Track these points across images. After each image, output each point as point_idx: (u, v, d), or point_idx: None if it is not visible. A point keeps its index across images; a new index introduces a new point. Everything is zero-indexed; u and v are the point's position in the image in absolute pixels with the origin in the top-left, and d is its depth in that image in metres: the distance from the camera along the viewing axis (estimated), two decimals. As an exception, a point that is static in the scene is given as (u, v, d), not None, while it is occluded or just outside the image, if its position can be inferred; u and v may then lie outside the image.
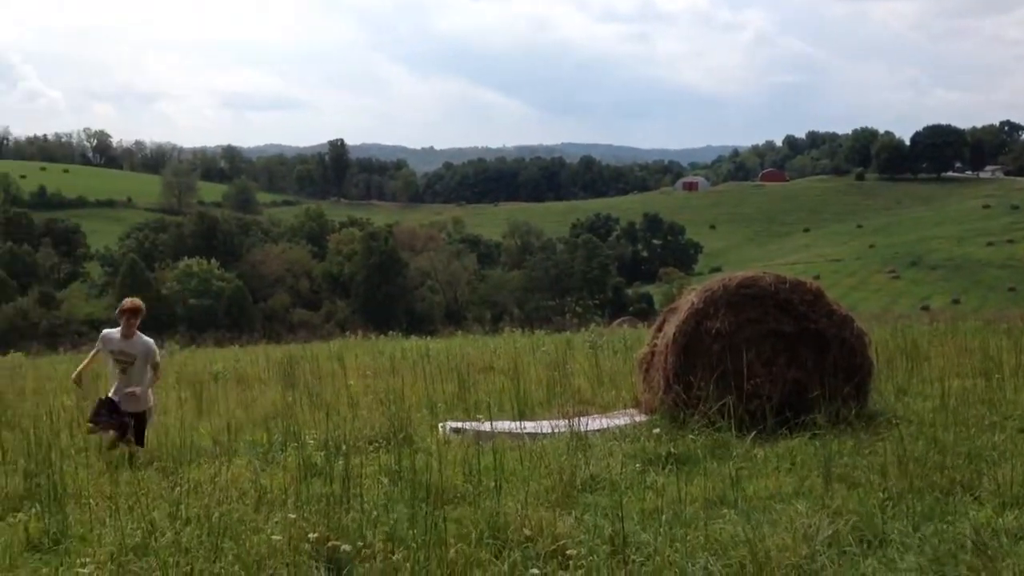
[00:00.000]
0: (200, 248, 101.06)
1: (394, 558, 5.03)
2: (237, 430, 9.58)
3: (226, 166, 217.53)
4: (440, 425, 9.48)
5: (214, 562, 5.12)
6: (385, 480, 6.98)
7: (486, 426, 8.62)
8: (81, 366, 9.24)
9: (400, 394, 10.97)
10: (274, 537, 5.34)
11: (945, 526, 5.40)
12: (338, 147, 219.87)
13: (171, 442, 8.74)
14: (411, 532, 5.47)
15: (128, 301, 9.09)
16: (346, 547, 5.07)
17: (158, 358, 9.20)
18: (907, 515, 5.69)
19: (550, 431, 8.79)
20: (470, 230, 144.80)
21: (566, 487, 6.66)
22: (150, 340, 9.13)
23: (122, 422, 8.64)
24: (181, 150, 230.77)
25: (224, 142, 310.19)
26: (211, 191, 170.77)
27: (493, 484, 6.59)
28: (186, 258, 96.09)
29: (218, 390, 12.84)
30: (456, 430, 9.10)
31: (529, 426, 9.23)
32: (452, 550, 5.09)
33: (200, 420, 10.90)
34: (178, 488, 6.66)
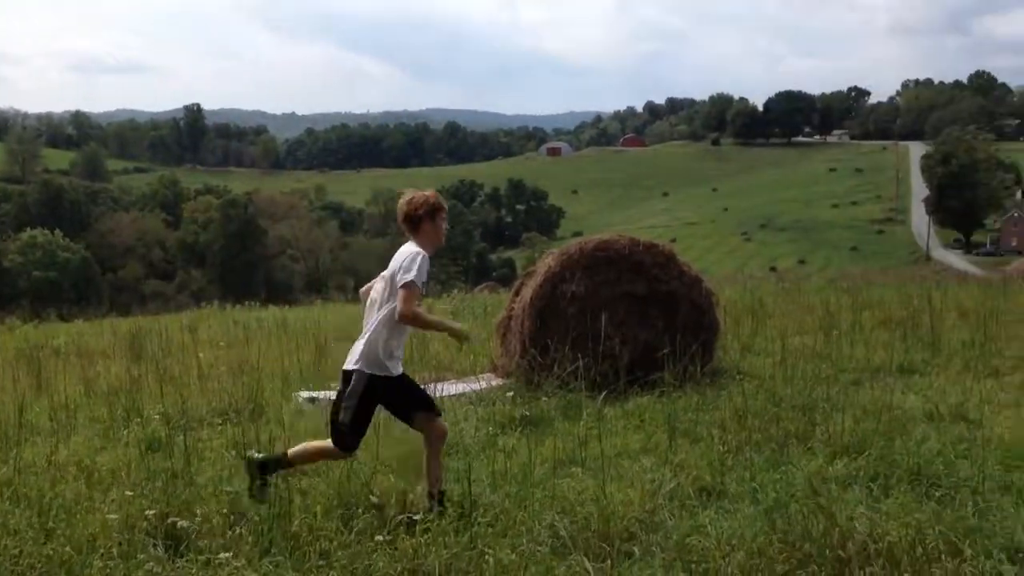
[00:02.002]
0: (45, 218, 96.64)
1: (235, 532, 4.90)
2: (77, 407, 9.15)
3: (74, 132, 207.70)
4: (294, 395, 9.30)
5: (44, 544, 4.88)
6: (233, 453, 6.79)
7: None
8: (448, 324, 5.76)
9: (253, 364, 10.71)
10: (110, 516, 5.13)
11: (779, 476, 5.61)
12: (194, 112, 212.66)
13: (6, 420, 8.26)
14: (254, 505, 5.35)
15: (432, 194, 5.48)
16: (183, 523, 4.91)
17: None
18: (745, 467, 5.91)
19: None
20: (333, 197, 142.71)
21: (417, 453, 6.62)
22: None
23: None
24: (25, 116, 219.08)
25: (72, 107, 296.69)
26: (58, 158, 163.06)
27: (343, 453, 6.48)
28: (29, 229, 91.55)
29: (58, 366, 12.23)
30: (311, 400, 8.94)
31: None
32: (296, 521, 5.00)
33: (39, 398, 10.36)
34: (4, 468, 6.32)
